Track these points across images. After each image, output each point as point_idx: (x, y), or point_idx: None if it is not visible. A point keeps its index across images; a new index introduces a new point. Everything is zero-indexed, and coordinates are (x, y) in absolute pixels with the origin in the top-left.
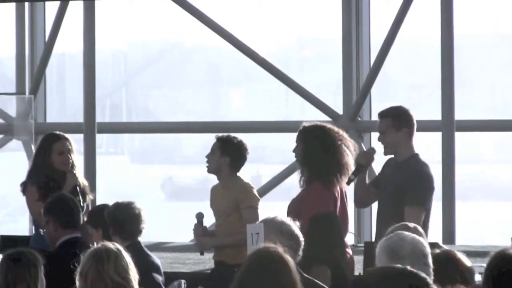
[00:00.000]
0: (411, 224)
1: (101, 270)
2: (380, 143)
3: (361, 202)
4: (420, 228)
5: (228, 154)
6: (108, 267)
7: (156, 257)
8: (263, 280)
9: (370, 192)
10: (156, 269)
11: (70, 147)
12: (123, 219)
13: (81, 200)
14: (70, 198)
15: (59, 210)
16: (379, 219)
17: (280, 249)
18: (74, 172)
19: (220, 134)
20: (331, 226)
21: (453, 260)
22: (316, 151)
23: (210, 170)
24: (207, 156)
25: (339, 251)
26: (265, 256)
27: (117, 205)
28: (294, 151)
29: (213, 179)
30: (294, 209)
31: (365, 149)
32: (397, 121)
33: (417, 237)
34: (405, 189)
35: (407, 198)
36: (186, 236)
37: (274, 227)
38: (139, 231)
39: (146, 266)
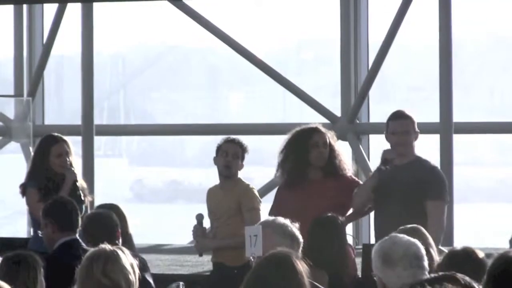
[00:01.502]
0: (416, 226)
1: (89, 271)
2: (396, 142)
3: (362, 205)
4: (422, 229)
5: (242, 161)
6: (97, 269)
7: (141, 255)
8: (272, 283)
9: (370, 197)
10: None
11: (68, 150)
12: (100, 229)
13: (82, 194)
14: (68, 201)
15: (57, 213)
16: (381, 221)
17: (293, 254)
18: (72, 169)
19: (233, 137)
20: (333, 230)
21: (471, 257)
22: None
23: (230, 174)
24: (233, 160)
25: (339, 257)
26: (277, 260)
27: (90, 216)
28: (325, 147)
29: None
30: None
31: (363, 151)
32: (414, 124)
33: (411, 239)
34: (423, 184)
35: (429, 193)
36: (185, 238)
37: (276, 228)
38: (116, 236)
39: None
